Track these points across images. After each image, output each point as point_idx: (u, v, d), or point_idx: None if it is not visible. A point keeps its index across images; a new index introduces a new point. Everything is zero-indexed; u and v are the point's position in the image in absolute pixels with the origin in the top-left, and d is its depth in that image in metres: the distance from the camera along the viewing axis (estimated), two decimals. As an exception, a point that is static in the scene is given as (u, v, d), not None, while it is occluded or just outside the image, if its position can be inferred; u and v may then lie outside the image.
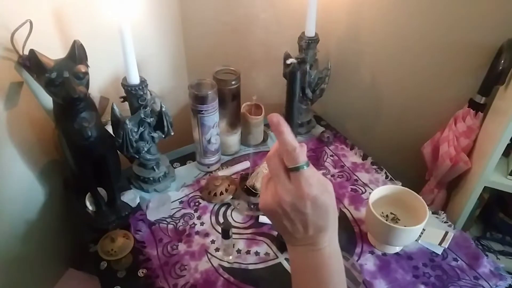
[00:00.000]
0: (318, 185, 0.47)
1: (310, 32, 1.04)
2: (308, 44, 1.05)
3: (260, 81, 1.23)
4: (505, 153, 0.93)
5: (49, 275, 1.01)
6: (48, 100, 0.83)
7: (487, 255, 0.85)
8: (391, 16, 1.09)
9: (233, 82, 1.01)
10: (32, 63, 0.70)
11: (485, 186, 0.98)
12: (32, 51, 0.67)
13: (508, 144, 0.90)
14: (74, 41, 0.71)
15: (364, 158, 1.12)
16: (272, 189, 0.48)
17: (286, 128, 0.47)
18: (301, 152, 0.47)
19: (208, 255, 0.85)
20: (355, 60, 1.23)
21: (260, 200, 0.51)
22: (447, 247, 0.86)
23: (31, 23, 0.76)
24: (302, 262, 0.51)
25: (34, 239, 0.93)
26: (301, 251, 0.50)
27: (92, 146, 0.79)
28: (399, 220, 0.87)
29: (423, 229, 0.88)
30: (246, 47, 1.21)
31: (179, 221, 0.92)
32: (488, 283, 0.80)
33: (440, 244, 0.86)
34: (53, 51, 0.72)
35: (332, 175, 1.06)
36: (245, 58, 1.20)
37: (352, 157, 1.12)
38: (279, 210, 0.48)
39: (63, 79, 0.68)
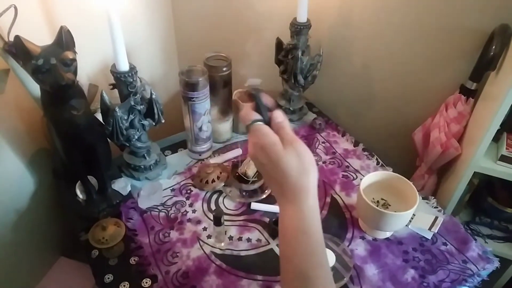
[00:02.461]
0: (267, 136, 0.51)
1: (302, 18, 1.03)
2: (299, 30, 1.04)
3: (252, 68, 1.22)
4: (495, 139, 0.94)
5: (41, 264, 1.01)
6: (36, 88, 0.81)
7: (475, 239, 0.86)
8: (383, 2, 1.08)
9: (224, 69, 1.00)
10: (18, 50, 0.68)
11: (474, 172, 0.99)
12: (17, 37, 0.66)
13: (497, 130, 0.91)
14: (61, 27, 0.70)
15: (356, 144, 1.12)
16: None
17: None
18: (251, 113, 0.54)
19: (200, 242, 0.85)
20: (347, 46, 1.23)
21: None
22: (437, 232, 0.87)
23: (15, 8, 0.74)
24: (279, 220, 0.53)
25: (24, 228, 0.93)
26: (279, 209, 0.53)
27: (82, 134, 0.78)
28: (389, 205, 0.88)
29: (413, 215, 0.89)
30: (238, 33, 1.20)
31: (171, 209, 0.92)
32: (476, 266, 0.81)
33: (429, 229, 0.87)
34: (39, 37, 0.71)
35: (324, 162, 1.06)
36: (236, 44, 1.19)
37: (343, 144, 1.13)
38: (255, 165, 0.55)
39: (50, 66, 0.67)
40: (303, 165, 0.50)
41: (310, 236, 0.50)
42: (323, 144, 1.12)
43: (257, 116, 0.54)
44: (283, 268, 0.53)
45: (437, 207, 0.94)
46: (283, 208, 0.52)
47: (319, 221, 0.51)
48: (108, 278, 0.78)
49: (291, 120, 1.20)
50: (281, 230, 0.52)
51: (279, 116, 0.54)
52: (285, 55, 1.10)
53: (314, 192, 0.52)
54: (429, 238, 0.87)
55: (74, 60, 0.71)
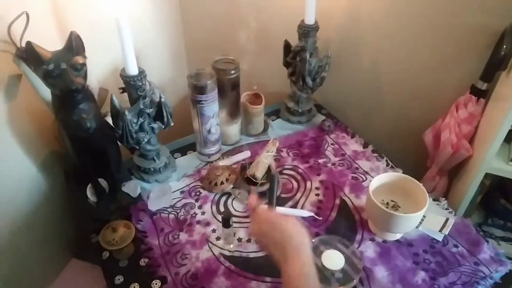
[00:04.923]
0: (270, 213, 0.69)
1: (310, 20, 1.03)
2: (307, 32, 1.04)
3: (260, 70, 1.23)
4: (507, 140, 0.93)
5: (53, 265, 1.02)
6: (47, 92, 0.83)
7: (487, 241, 0.85)
8: (391, 2, 1.08)
9: (232, 72, 1.01)
10: (29, 55, 0.70)
11: (486, 173, 0.97)
12: (29, 43, 0.67)
13: (509, 130, 0.89)
14: (71, 32, 0.71)
15: (365, 146, 1.11)
16: None
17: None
18: (256, 201, 0.70)
19: (209, 244, 0.86)
20: (355, 47, 1.22)
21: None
22: (448, 234, 0.86)
23: (27, 15, 0.76)
24: (283, 278, 0.62)
25: (37, 231, 0.94)
26: (282, 270, 0.62)
27: (92, 138, 0.80)
28: (399, 207, 0.87)
29: (424, 216, 0.88)
30: (246, 36, 1.21)
31: (180, 211, 0.93)
32: (489, 269, 0.80)
33: (440, 230, 0.86)
34: (50, 43, 0.72)
35: (333, 164, 1.06)
36: (244, 48, 1.19)
37: (353, 145, 1.12)
38: (257, 239, 0.72)
39: (60, 71, 0.69)
40: (300, 229, 0.65)
41: (311, 277, 0.60)
42: (332, 146, 1.12)
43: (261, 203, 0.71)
44: None
45: (448, 209, 0.93)
46: (286, 263, 0.61)
47: (315, 268, 0.62)
48: (119, 279, 0.79)
49: (299, 122, 1.20)
50: (285, 280, 0.61)
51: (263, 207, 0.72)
52: (293, 57, 1.10)
53: (310, 246, 0.63)
54: (440, 240, 0.86)
55: (84, 64, 0.72)
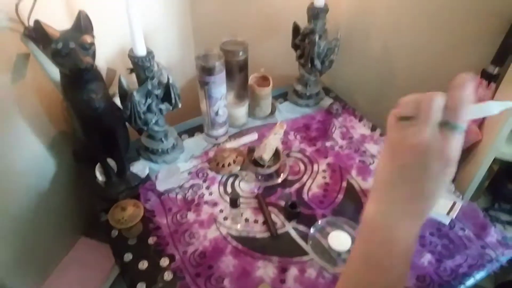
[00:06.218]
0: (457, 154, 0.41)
1: (319, 2, 1.02)
2: (317, 14, 1.02)
3: (268, 52, 1.22)
4: (517, 124, 0.92)
5: (63, 243, 1.04)
6: (55, 72, 0.83)
7: (494, 225, 0.85)
8: (402, -17, 1.06)
9: (240, 53, 1.00)
10: (37, 34, 0.70)
11: (495, 158, 0.97)
12: (37, 22, 0.67)
13: (520, 115, 0.88)
14: (79, 11, 0.71)
15: (373, 129, 1.11)
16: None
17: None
18: (468, 113, 0.41)
19: (217, 223, 0.86)
20: (365, 30, 1.21)
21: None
22: (455, 217, 0.86)
23: (35, -7, 0.75)
24: (398, 234, 0.44)
25: (47, 210, 0.96)
26: (406, 222, 0.44)
27: (101, 118, 0.80)
28: (406, 190, 0.87)
29: (431, 200, 0.88)
30: (254, 17, 1.19)
31: (188, 191, 0.94)
32: (495, 252, 0.80)
33: (447, 214, 0.86)
34: (58, 22, 0.72)
35: (340, 147, 1.06)
36: (253, 29, 1.18)
37: (360, 129, 1.12)
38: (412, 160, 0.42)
39: (69, 50, 0.68)
40: None
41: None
42: (340, 129, 1.12)
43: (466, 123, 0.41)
44: (370, 277, 0.45)
45: (456, 193, 0.93)
46: (421, 221, 0.44)
47: None
48: (128, 257, 0.80)
49: (307, 105, 1.19)
50: (401, 241, 0.44)
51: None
52: (302, 40, 1.09)
53: None
54: (447, 223, 0.86)
55: (93, 44, 0.72)
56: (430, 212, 0.44)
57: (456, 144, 0.41)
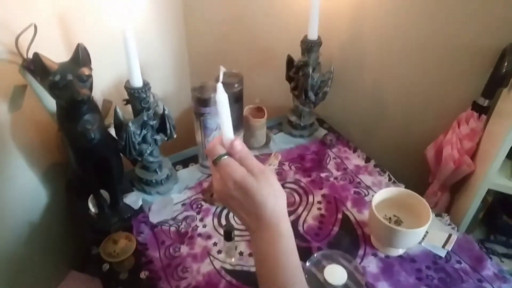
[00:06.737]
0: (238, 170, 0.52)
1: (313, 35, 1.04)
2: (310, 47, 1.05)
3: (263, 84, 1.24)
4: (509, 156, 0.93)
5: (52, 277, 1.01)
6: (51, 103, 0.83)
7: (491, 258, 0.84)
8: (394, 20, 1.09)
9: (236, 85, 1.02)
10: (36, 66, 0.70)
11: (488, 189, 0.97)
12: (36, 54, 0.68)
13: (511, 147, 0.90)
14: (78, 44, 0.72)
15: (367, 160, 1.11)
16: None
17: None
18: (217, 148, 0.54)
19: (211, 257, 0.85)
20: (358, 63, 1.23)
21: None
22: (451, 250, 0.85)
23: (35, 27, 0.77)
24: (253, 251, 0.55)
25: (37, 241, 0.94)
26: (251, 240, 0.55)
27: (95, 149, 0.80)
28: (402, 222, 0.87)
29: (426, 232, 0.87)
30: (249, 50, 1.22)
31: (182, 224, 0.92)
32: (492, 286, 0.79)
33: (443, 246, 0.86)
34: (57, 54, 0.73)
35: (335, 178, 1.06)
36: (248, 61, 1.20)
37: (355, 160, 1.12)
38: (222, 201, 0.55)
39: (66, 82, 0.69)
40: (275, 192, 0.53)
41: (291, 255, 0.53)
42: (334, 160, 1.12)
43: (223, 150, 0.54)
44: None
45: (451, 225, 0.93)
46: (260, 236, 0.53)
47: (294, 242, 0.55)
48: (119, 292, 0.78)
49: (301, 136, 1.20)
50: (259, 256, 0.54)
51: (238, 145, 0.54)
52: (296, 72, 1.11)
53: (287, 215, 0.55)
54: (443, 256, 0.85)
55: (90, 76, 0.73)
56: (247, 226, 0.55)
57: (223, 167, 0.52)
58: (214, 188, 0.54)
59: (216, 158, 0.53)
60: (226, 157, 0.53)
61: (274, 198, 0.52)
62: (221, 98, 0.54)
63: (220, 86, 0.53)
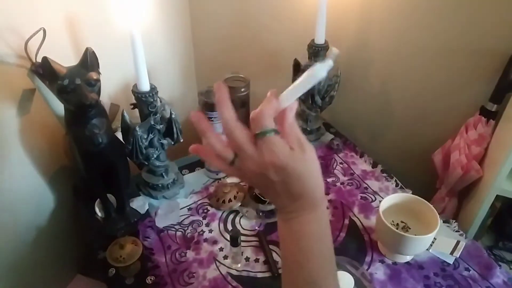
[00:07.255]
0: (285, 152, 0.45)
1: (320, 40, 1.04)
2: (317, 51, 1.05)
3: (270, 88, 1.23)
4: (518, 162, 0.92)
5: (58, 281, 1.01)
6: (59, 107, 0.84)
7: (500, 265, 0.83)
8: (401, 23, 1.09)
9: (242, 89, 1.02)
10: (45, 71, 0.71)
11: (497, 195, 0.96)
12: (45, 59, 0.68)
13: (520, 152, 0.89)
14: (87, 49, 0.72)
15: (374, 166, 1.11)
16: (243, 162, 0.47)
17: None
18: (268, 117, 0.46)
19: (217, 262, 0.85)
20: (365, 67, 1.23)
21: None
22: (459, 257, 0.84)
23: (44, 31, 0.77)
24: (284, 232, 0.50)
25: (43, 245, 0.94)
26: (283, 220, 0.49)
27: (103, 153, 0.80)
28: (409, 228, 0.86)
29: (434, 238, 0.86)
30: (256, 54, 1.22)
31: (188, 228, 0.92)
32: (502, 294, 0.78)
33: (451, 253, 0.85)
34: (65, 58, 0.73)
35: (342, 183, 1.05)
36: (254, 66, 1.20)
37: (361, 165, 1.12)
38: (254, 181, 0.48)
39: (75, 86, 0.69)
40: (319, 172, 0.48)
41: (325, 243, 0.49)
42: (341, 165, 1.12)
43: (272, 124, 0.46)
44: (291, 275, 0.50)
45: (459, 231, 0.92)
46: (300, 215, 0.48)
47: (329, 227, 0.50)
48: (125, 297, 0.78)
49: (308, 141, 1.20)
50: (293, 236, 0.48)
51: (291, 116, 0.48)
52: (303, 76, 1.10)
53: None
54: (451, 263, 0.84)
55: (98, 80, 0.73)
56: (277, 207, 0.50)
57: (268, 145, 0.45)
58: (246, 166, 0.46)
59: (261, 132, 0.45)
60: (273, 134, 0.45)
61: (317, 178, 0.48)
62: (318, 73, 0.45)
63: (328, 65, 0.45)
